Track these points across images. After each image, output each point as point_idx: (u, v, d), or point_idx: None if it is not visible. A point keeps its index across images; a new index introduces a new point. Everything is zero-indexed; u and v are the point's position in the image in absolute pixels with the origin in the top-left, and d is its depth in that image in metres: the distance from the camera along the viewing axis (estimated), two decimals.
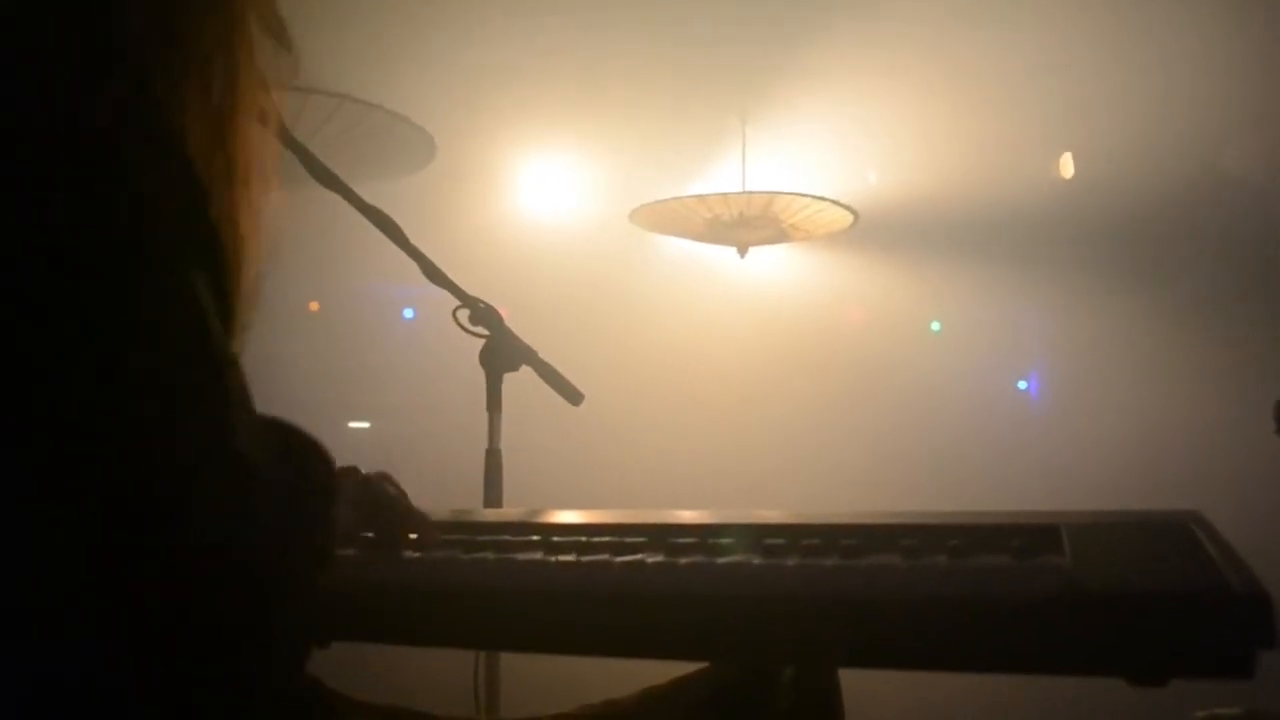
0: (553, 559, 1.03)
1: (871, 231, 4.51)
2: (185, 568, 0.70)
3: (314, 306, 5.34)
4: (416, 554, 1.12)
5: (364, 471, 1.16)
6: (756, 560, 0.96)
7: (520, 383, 2.00)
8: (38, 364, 0.69)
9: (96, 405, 0.69)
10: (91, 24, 0.79)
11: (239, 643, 0.73)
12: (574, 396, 1.97)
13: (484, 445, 2.02)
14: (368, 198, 1.83)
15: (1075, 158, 4.59)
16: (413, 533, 1.13)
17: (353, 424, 5.28)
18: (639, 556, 1.01)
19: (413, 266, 1.89)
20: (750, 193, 4.11)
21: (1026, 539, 0.95)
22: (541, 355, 1.98)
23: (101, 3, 0.81)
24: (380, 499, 1.13)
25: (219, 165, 0.86)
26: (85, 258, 0.71)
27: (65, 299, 0.70)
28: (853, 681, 1.19)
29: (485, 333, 1.94)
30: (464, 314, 1.94)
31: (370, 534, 1.14)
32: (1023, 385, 5.35)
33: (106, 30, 0.80)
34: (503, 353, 1.94)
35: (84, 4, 0.80)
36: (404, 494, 1.18)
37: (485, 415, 2.01)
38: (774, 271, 4.99)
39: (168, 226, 0.75)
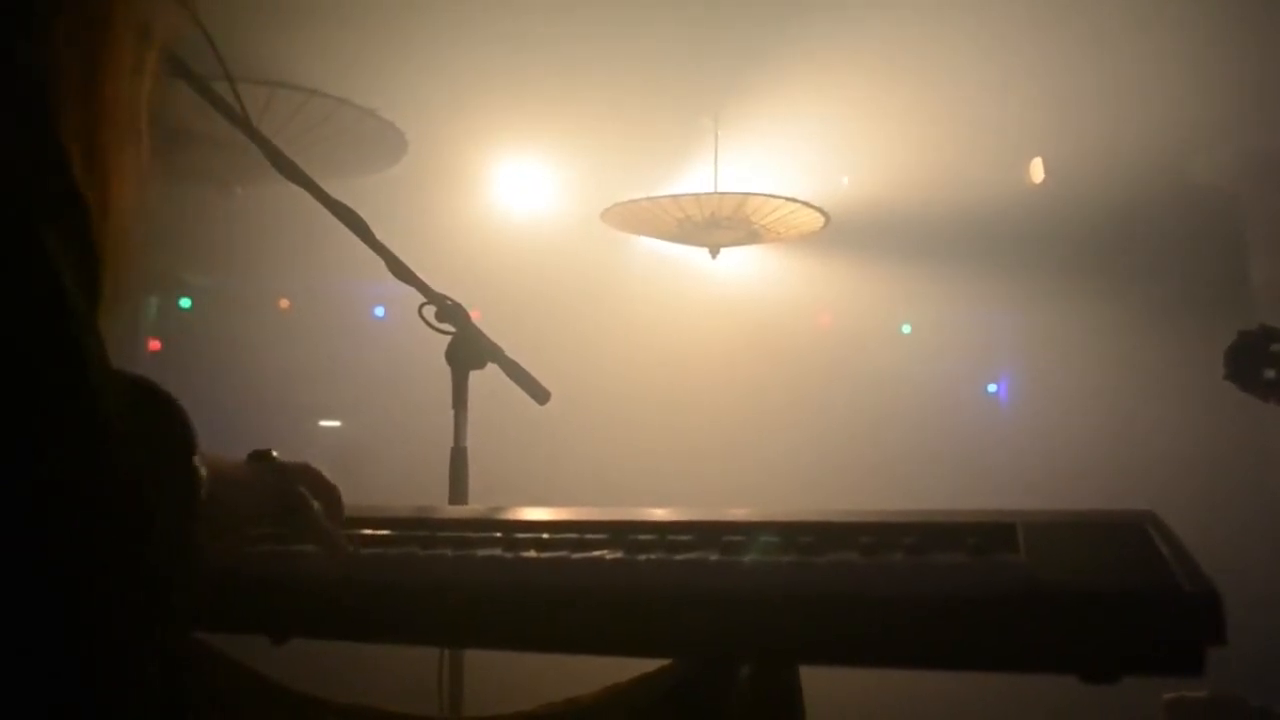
0: (511, 555, 1.03)
1: (843, 234, 4.52)
2: (42, 520, 0.68)
3: (285, 304, 5.31)
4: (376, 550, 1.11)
5: (284, 462, 1.13)
6: (714, 557, 0.96)
7: (488, 381, 1.99)
8: None
9: None
10: None
11: (104, 592, 0.71)
12: (541, 395, 1.97)
13: (450, 442, 2.01)
14: (338, 195, 1.82)
15: (1045, 163, 4.63)
16: (315, 540, 1.10)
17: (324, 422, 5.26)
18: (598, 553, 1.01)
19: (384, 265, 1.88)
20: (722, 193, 4.11)
21: (982, 537, 0.96)
22: (510, 354, 1.97)
23: None
24: (289, 499, 1.10)
25: (85, 116, 0.81)
26: None
27: None
28: (818, 682, 1.19)
29: (451, 330, 1.93)
30: (431, 311, 1.92)
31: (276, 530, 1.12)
32: (992, 389, 5.38)
33: None
34: (469, 350, 1.93)
35: None
36: (330, 489, 1.14)
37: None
38: (745, 273, 5.00)
39: (16, 182, 0.71)
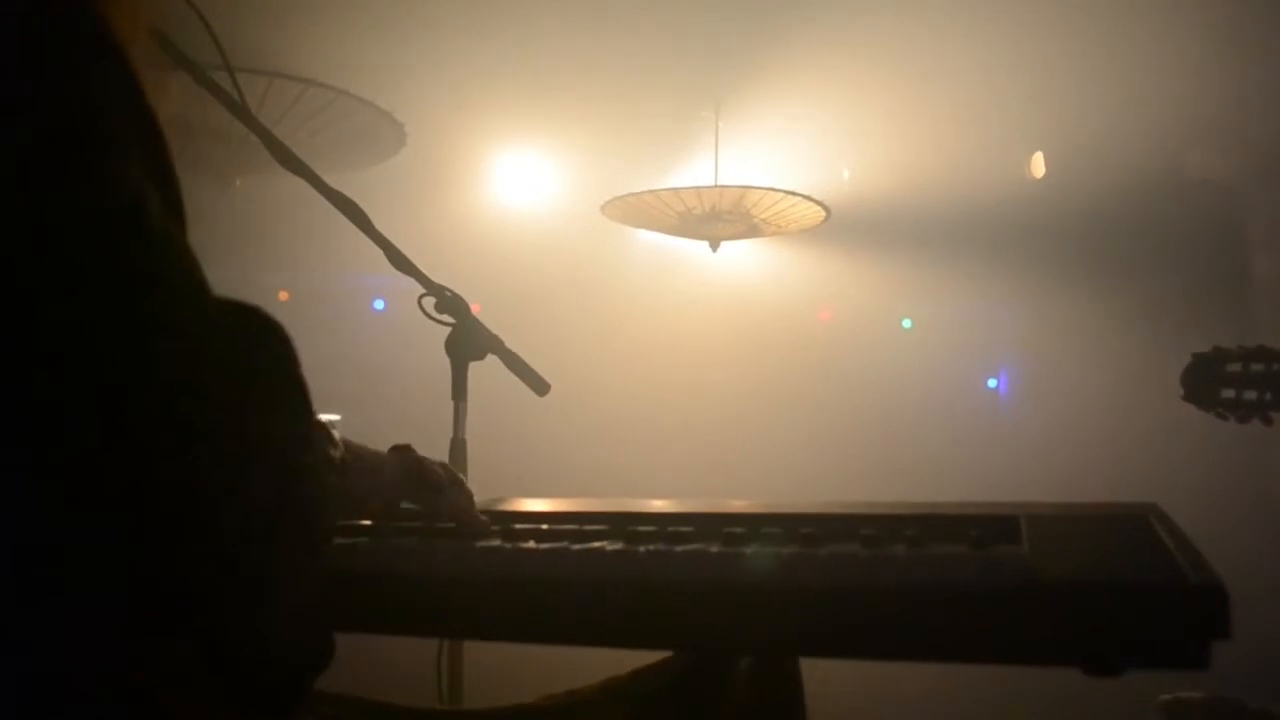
0: (511, 546, 1.03)
1: (843, 228, 4.51)
2: (145, 468, 0.67)
3: (284, 296, 5.30)
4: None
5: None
6: (715, 548, 0.95)
7: (488, 373, 1.99)
8: None
9: (47, 301, 0.65)
10: None
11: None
12: (540, 386, 1.96)
13: (450, 435, 2.01)
14: (336, 187, 1.82)
15: (1046, 157, 4.62)
16: (454, 518, 1.17)
17: (323, 415, 5.25)
18: (598, 544, 1.01)
19: (384, 257, 1.87)
20: (723, 186, 4.10)
21: (985, 529, 0.95)
22: (511, 346, 1.97)
23: None
24: (425, 473, 1.17)
25: (138, 49, 0.79)
26: (23, 154, 0.66)
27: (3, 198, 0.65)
28: (819, 675, 1.19)
29: (451, 321, 1.92)
30: (430, 302, 1.92)
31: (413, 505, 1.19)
32: (992, 383, 5.37)
33: None
34: (468, 341, 1.92)
35: None
36: (460, 479, 1.22)
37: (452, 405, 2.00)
38: (745, 266, 4.99)
39: (106, 118, 0.71)
